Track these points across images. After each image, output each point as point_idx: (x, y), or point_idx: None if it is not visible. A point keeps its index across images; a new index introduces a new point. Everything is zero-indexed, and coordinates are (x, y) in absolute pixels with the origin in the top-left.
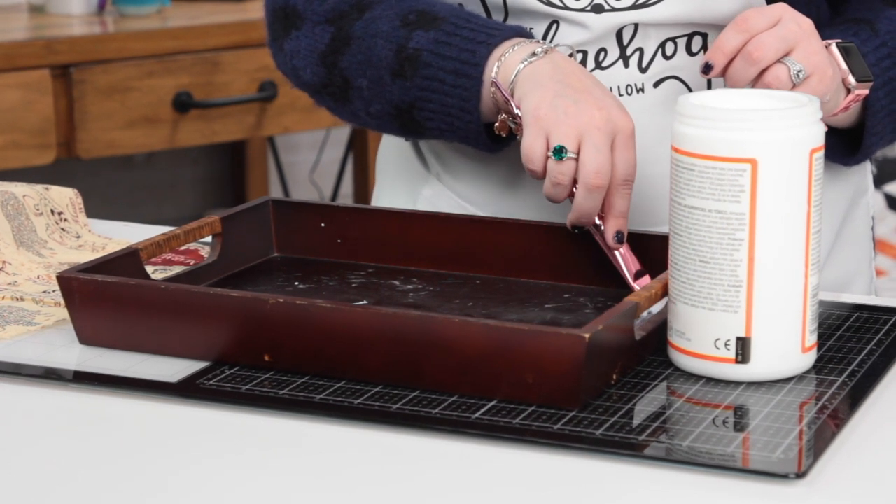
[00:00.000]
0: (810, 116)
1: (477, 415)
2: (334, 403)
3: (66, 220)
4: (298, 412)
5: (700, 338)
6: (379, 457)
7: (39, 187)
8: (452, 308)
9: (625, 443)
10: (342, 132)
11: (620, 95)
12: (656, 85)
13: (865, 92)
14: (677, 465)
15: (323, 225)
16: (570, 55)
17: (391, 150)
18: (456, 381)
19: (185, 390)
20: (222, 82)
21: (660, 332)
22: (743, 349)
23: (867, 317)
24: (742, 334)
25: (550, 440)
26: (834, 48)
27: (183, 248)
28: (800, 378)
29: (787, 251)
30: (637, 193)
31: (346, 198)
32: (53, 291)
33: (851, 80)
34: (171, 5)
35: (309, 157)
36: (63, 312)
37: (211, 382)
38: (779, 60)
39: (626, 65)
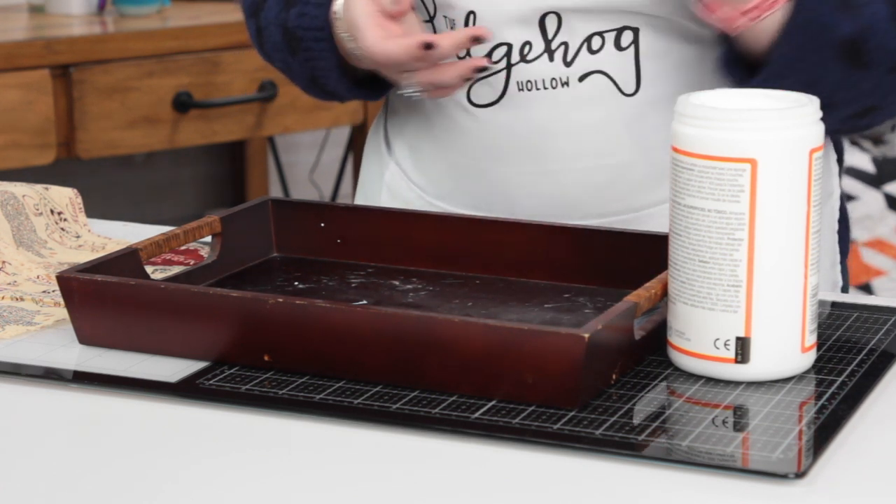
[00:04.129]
0: (810, 116)
1: (477, 415)
2: (334, 403)
3: (65, 220)
4: (298, 412)
5: (700, 338)
6: (379, 457)
7: (39, 187)
8: (452, 308)
9: (625, 443)
10: (342, 132)
11: (544, 89)
12: (581, 79)
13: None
14: (677, 465)
15: (323, 225)
16: (492, 50)
17: (370, 135)
18: (456, 381)
19: (185, 390)
20: (222, 82)
21: (659, 332)
22: (742, 349)
23: (867, 317)
24: (742, 334)
25: (550, 440)
26: None
27: (183, 248)
28: (799, 378)
29: (786, 251)
30: (564, 187)
31: (346, 198)
32: (53, 291)
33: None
34: (171, 5)
35: (309, 157)
36: (63, 312)
37: (210, 382)
38: None
39: (551, 59)
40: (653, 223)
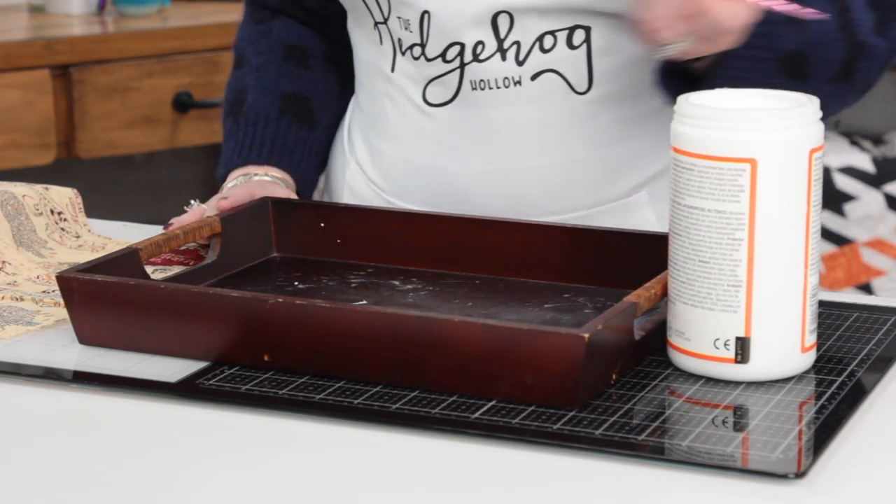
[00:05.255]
0: (810, 116)
1: (476, 415)
2: (334, 403)
3: (65, 219)
4: (298, 412)
5: (699, 338)
6: (379, 456)
7: (39, 187)
8: (452, 308)
9: (624, 443)
10: None
11: (497, 88)
12: (534, 78)
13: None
14: (677, 465)
15: (323, 225)
16: (446, 49)
17: (336, 136)
18: (456, 381)
19: (185, 390)
20: (222, 82)
21: (659, 332)
22: (742, 349)
23: (867, 317)
24: (741, 334)
25: (550, 440)
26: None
27: (183, 248)
28: (799, 378)
29: (786, 251)
30: (519, 185)
31: None
32: (53, 291)
33: None
34: (171, 5)
35: None
36: (63, 312)
37: (210, 382)
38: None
39: (504, 58)
40: (608, 220)
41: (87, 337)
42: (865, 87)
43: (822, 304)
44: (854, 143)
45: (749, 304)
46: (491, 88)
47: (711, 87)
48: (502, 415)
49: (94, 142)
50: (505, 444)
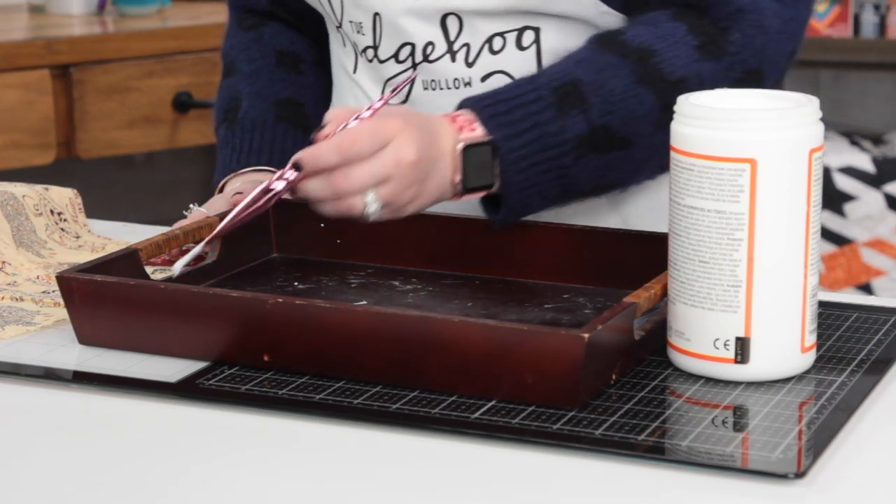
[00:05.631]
0: (810, 116)
1: (476, 415)
2: (334, 403)
3: (65, 220)
4: (298, 412)
5: (699, 338)
6: (378, 456)
7: (39, 187)
8: (452, 308)
9: (624, 443)
10: None
11: (448, 89)
12: (484, 79)
13: (479, 194)
14: (676, 465)
15: (322, 225)
16: (398, 49)
17: None
18: (455, 381)
19: (185, 390)
20: None
21: (659, 332)
22: (742, 349)
23: (867, 317)
24: (741, 334)
25: (550, 440)
26: (459, 149)
27: (183, 248)
28: (799, 378)
29: (786, 251)
30: None
31: None
32: (53, 291)
33: (459, 188)
34: (171, 5)
35: None
36: (62, 312)
37: (210, 382)
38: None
39: (454, 59)
40: (563, 218)
41: (86, 337)
42: None
43: (822, 304)
44: (854, 143)
45: (749, 304)
46: (442, 89)
47: (512, 208)
48: (502, 415)
49: (94, 142)
50: (505, 444)
